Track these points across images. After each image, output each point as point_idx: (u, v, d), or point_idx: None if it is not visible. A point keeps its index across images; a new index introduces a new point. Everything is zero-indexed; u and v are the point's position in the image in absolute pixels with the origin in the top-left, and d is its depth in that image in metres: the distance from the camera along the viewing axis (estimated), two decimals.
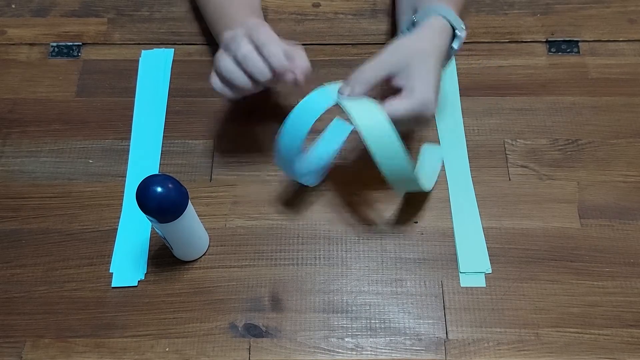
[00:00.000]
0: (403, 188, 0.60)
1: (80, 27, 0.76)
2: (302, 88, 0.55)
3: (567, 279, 0.59)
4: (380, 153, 0.52)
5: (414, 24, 0.60)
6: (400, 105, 0.53)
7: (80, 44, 0.75)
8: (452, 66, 0.72)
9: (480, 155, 0.66)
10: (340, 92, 0.54)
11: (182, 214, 0.51)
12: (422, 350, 0.56)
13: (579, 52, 0.73)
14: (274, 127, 0.67)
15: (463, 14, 0.76)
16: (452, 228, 0.62)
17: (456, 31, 0.59)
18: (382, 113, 0.52)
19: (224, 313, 0.58)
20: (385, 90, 0.56)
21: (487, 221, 0.62)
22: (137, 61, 0.73)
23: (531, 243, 0.61)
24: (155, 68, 0.73)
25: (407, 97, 0.53)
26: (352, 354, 0.56)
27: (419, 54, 0.55)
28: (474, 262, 0.60)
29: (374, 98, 0.54)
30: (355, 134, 0.58)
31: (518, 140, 0.67)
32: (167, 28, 0.76)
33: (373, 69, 0.54)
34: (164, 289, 0.59)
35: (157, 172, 0.59)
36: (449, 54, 0.60)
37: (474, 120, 0.69)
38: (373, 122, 0.52)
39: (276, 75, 0.54)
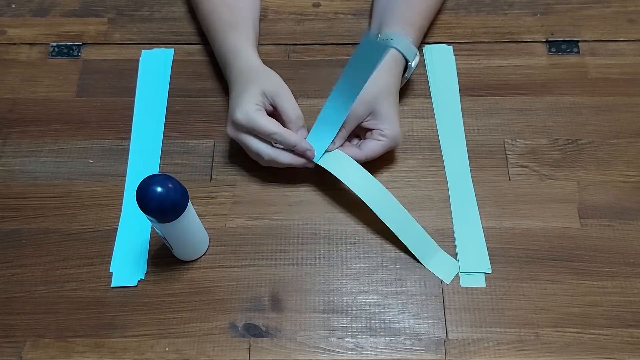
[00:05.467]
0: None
1: (80, 27, 0.76)
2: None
3: (567, 279, 0.59)
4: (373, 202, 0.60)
5: None
6: (376, 147, 0.62)
7: (80, 43, 0.75)
8: (452, 66, 0.72)
9: (480, 155, 0.66)
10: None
11: (182, 214, 0.51)
12: (422, 350, 0.56)
13: (579, 52, 0.73)
14: None
15: (460, 14, 0.77)
16: (452, 228, 0.62)
17: (408, 63, 0.65)
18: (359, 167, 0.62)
19: (224, 313, 0.58)
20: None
21: (487, 221, 0.62)
22: (137, 61, 0.73)
23: (531, 243, 0.61)
24: (155, 68, 0.73)
25: (379, 139, 0.62)
26: (352, 354, 0.56)
27: (380, 97, 0.62)
28: (474, 262, 0.60)
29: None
30: None
31: (518, 140, 0.67)
32: (167, 28, 0.76)
33: (347, 125, 0.62)
34: (164, 289, 0.59)
35: (157, 172, 0.59)
36: (402, 81, 0.66)
37: (474, 120, 0.69)
38: (358, 177, 0.61)
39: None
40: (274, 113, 0.62)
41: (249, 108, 0.59)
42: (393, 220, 0.60)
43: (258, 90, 0.60)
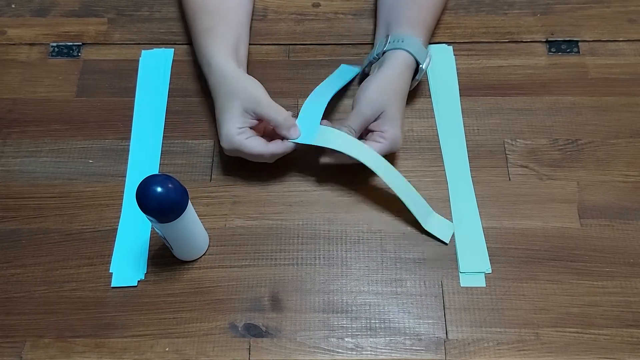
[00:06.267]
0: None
1: (80, 27, 0.76)
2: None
3: (567, 279, 0.59)
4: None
5: (383, 53, 0.65)
6: (375, 148, 0.61)
7: (80, 44, 0.75)
8: (452, 66, 0.72)
9: (480, 155, 0.66)
10: None
11: (182, 214, 0.51)
12: (422, 350, 0.56)
13: (579, 52, 0.73)
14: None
15: (460, 14, 0.77)
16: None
17: (420, 65, 0.65)
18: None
19: (223, 313, 0.58)
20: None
21: (487, 221, 0.62)
22: (137, 61, 0.73)
23: (531, 243, 0.61)
24: (155, 68, 0.73)
25: (379, 140, 0.61)
26: (352, 354, 0.56)
27: (389, 101, 0.62)
28: (474, 262, 0.60)
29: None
30: None
31: (518, 140, 0.67)
32: (167, 28, 0.76)
33: (356, 126, 0.62)
34: (163, 289, 0.59)
35: (157, 172, 0.59)
36: (412, 83, 0.66)
37: (474, 120, 0.69)
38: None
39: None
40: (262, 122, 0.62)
41: (231, 133, 0.60)
42: (394, 183, 0.61)
43: (238, 110, 0.60)
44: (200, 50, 0.66)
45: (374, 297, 0.59)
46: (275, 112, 0.60)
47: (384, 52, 0.65)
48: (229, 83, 0.61)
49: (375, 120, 0.62)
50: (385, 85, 0.62)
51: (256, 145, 0.60)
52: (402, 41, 0.64)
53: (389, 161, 0.65)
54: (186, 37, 0.75)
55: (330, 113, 0.68)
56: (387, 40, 0.65)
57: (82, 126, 0.69)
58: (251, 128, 0.61)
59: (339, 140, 0.61)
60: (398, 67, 0.63)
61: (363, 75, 0.69)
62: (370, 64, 0.68)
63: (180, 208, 0.51)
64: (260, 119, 0.61)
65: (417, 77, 0.66)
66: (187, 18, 0.71)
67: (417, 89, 0.71)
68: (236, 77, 0.62)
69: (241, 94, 0.61)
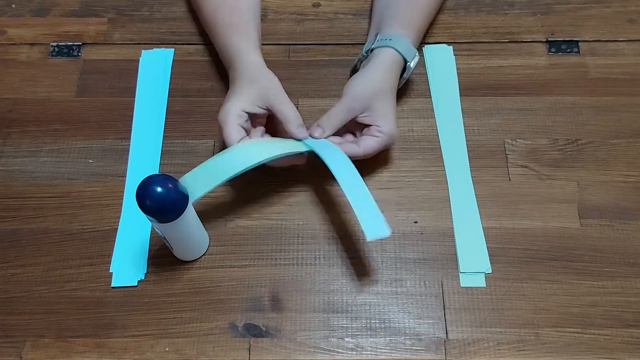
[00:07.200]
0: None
1: (80, 27, 0.76)
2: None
3: (567, 279, 0.59)
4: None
5: (371, 51, 0.66)
6: (374, 143, 0.62)
7: (80, 44, 0.75)
8: (452, 66, 0.72)
9: (480, 155, 0.66)
10: (312, 134, 0.62)
11: (182, 214, 0.51)
12: (422, 350, 0.56)
13: (579, 52, 0.73)
14: (273, 126, 0.68)
15: (460, 14, 0.77)
16: (452, 228, 0.62)
17: (407, 63, 0.65)
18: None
19: (224, 313, 0.58)
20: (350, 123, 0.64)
21: (487, 221, 0.62)
22: (137, 61, 0.73)
23: (531, 243, 0.61)
24: (155, 68, 0.73)
25: (376, 135, 0.62)
26: (352, 354, 0.56)
27: (377, 94, 0.62)
28: (474, 262, 0.60)
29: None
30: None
31: (518, 140, 0.67)
32: (167, 28, 0.76)
33: (339, 117, 0.62)
34: (164, 289, 0.59)
35: (157, 172, 0.59)
36: (400, 82, 0.67)
37: (474, 120, 0.69)
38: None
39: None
40: (270, 115, 0.63)
41: (231, 112, 0.60)
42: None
43: (253, 94, 0.61)
44: (228, 45, 0.66)
45: (374, 297, 0.59)
46: (289, 108, 0.61)
47: (372, 50, 0.66)
48: (255, 72, 0.63)
49: (365, 114, 0.62)
50: (373, 80, 0.63)
51: (233, 135, 0.59)
52: (390, 39, 0.65)
53: (387, 159, 0.66)
54: (186, 37, 0.75)
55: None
56: (375, 39, 0.66)
57: (82, 126, 0.69)
58: (257, 119, 0.62)
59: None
60: (385, 64, 0.64)
61: (353, 72, 0.69)
62: (360, 61, 0.68)
63: (180, 208, 0.51)
64: (270, 112, 0.62)
65: (404, 76, 0.66)
66: (206, 12, 0.70)
67: (417, 89, 0.71)
68: (262, 69, 0.64)
69: (263, 82, 0.62)
